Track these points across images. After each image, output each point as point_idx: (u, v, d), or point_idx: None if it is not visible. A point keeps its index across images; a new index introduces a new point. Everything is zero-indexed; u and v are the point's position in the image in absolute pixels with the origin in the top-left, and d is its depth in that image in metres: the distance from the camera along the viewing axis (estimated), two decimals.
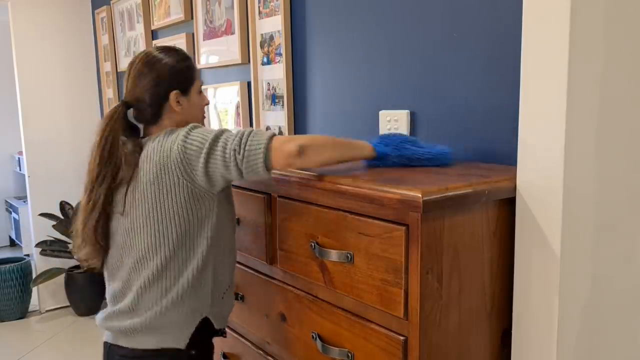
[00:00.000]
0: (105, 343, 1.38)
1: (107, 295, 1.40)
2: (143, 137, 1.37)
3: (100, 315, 1.39)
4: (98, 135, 1.31)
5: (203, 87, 2.53)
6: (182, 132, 1.27)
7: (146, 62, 1.35)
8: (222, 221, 1.33)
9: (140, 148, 1.31)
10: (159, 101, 1.35)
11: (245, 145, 1.19)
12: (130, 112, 1.38)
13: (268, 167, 1.19)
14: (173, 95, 1.35)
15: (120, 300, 1.34)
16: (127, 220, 1.30)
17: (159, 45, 2.00)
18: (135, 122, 1.39)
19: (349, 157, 1.25)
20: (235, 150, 1.20)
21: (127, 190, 1.30)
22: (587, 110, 1.07)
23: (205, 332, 1.36)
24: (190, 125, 1.29)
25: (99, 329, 1.39)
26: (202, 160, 1.22)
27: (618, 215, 1.18)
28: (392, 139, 1.29)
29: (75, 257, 1.34)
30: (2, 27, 4.47)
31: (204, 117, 1.47)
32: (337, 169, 1.24)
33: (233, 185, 1.53)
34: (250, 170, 1.20)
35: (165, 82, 1.35)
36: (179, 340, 1.31)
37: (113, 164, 1.31)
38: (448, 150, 1.30)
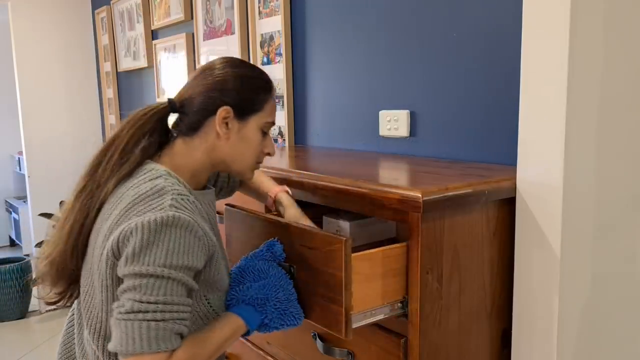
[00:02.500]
0: None
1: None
2: (160, 151, 1.07)
3: None
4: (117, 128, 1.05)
5: None
6: (148, 217, 0.91)
7: (214, 65, 1.07)
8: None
9: (133, 165, 1.03)
10: (204, 112, 1.03)
11: (125, 323, 0.87)
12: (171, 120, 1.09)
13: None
14: (223, 111, 1.02)
15: None
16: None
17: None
18: (171, 130, 1.09)
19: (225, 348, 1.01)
20: (130, 307, 0.88)
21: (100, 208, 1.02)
22: (587, 110, 1.07)
23: None
24: (166, 216, 0.91)
25: None
26: (122, 269, 0.92)
27: (618, 215, 1.18)
28: (260, 292, 1.02)
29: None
30: (2, 27, 4.46)
31: (254, 167, 1.10)
32: (334, 170, 1.23)
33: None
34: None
35: (221, 92, 1.03)
36: None
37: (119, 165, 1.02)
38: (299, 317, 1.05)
